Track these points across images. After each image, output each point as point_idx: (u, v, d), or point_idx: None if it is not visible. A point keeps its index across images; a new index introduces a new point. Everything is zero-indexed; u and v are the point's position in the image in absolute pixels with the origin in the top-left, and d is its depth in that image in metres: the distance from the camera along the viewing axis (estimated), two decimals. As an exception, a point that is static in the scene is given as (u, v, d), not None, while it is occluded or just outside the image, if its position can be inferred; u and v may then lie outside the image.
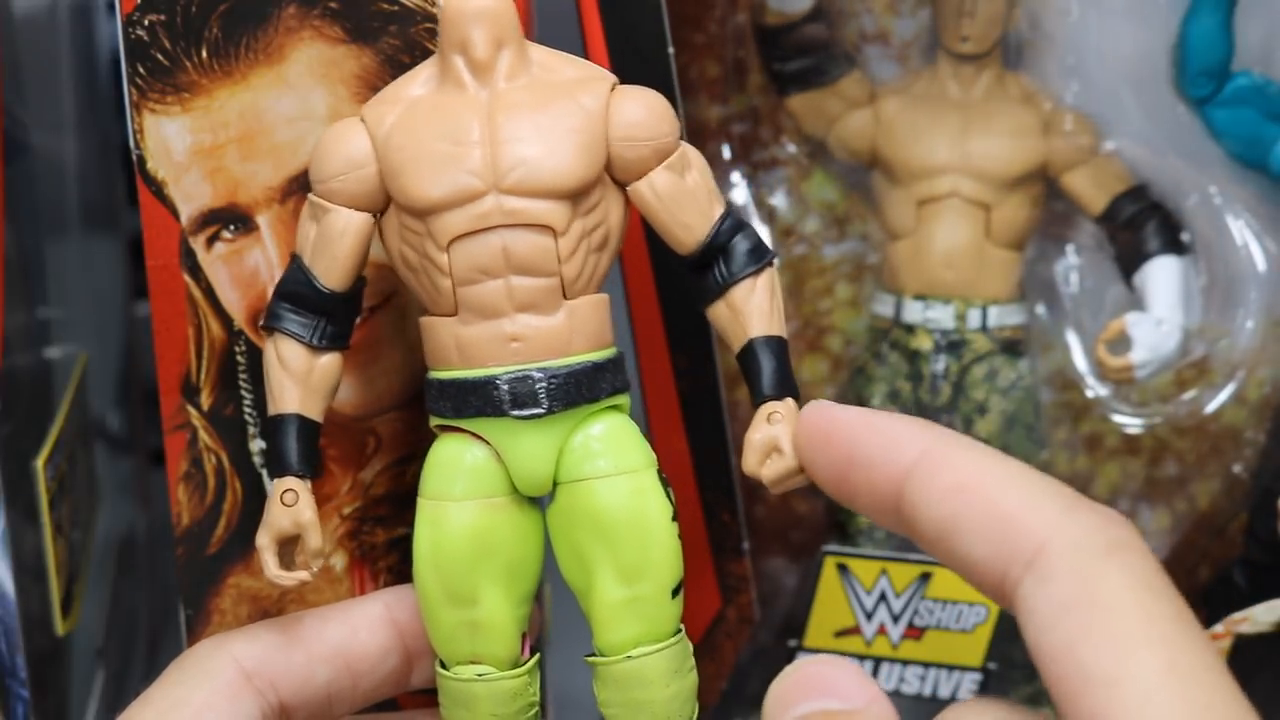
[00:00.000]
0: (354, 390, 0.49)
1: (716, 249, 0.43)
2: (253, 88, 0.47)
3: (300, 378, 0.43)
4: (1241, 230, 0.58)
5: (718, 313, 0.44)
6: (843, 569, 0.58)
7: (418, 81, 0.43)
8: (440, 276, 0.42)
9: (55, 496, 0.57)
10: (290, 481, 0.43)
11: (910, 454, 0.38)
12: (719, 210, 0.44)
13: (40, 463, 0.55)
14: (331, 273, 0.43)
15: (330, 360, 0.44)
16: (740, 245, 0.43)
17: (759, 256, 0.44)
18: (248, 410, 0.49)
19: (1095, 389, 0.60)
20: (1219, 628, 0.56)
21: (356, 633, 0.46)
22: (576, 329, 0.42)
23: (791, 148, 0.61)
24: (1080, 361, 0.60)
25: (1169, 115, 0.57)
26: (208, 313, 0.48)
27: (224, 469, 0.50)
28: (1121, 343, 0.57)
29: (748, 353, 0.43)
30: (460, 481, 0.43)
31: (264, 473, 0.50)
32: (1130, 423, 0.60)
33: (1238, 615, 0.56)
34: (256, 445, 0.49)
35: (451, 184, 0.41)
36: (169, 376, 0.49)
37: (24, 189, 0.59)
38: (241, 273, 0.48)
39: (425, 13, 0.47)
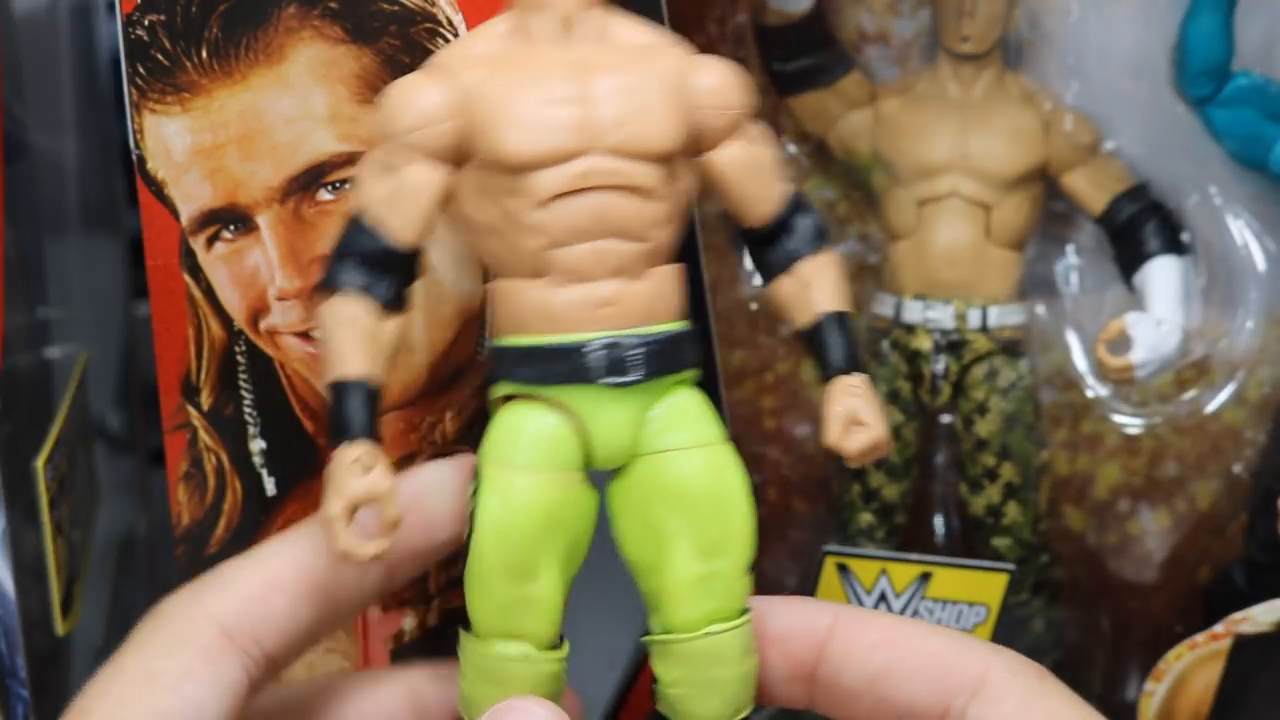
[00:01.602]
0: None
1: (784, 223, 0.43)
2: (253, 88, 0.47)
3: (368, 338, 0.41)
4: (1241, 230, 0.58)
5: (783, 287, 0.43)
6: (843, 569, 0.58)
7: (490, 38, 0.42)
8: (528, 237, 0.40)
9: (55, 496, 0.57)
10: (361, 447, 0.40)
11: (824, 621, 0.42)
12: (787, 186, 0.43)
13: (40, 463, 0.55)
14: (407, 229, 0.41)
15: (393, 325, 0.41)
16: (806, 221, 0.43)
17: (824, 234, 0.43)
18: (248, 410, 0.49)
19: (1095, 389, 0.60)
20: (1219, 628, 0.56)
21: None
22: (662, 297, 0.41)
23: (791, 148, 0.61)
24: (1080, 361, 0.60)
25: (1169, 115, 0.57)
26: (208, 313, 0.48)
27: (224, 469, 0.50)
28: (1121, 343, 0.57)
29: (818, 327, 0.43)
30: (535, 450, 0.41)
31: (263, 472, 0.50)
32: (1130, 423, 0.60)
33: (1238, 615, 0.56)
34: (256, 445, 0.49)
35: (550, 141, 0.40)
36: (169, 376, 0.49)
37: (24, 189, 0.59)
38: (241, 273, 0.48)
39: (425, 13, 0.47)
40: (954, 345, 0.58)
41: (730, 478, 0.42)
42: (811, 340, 0.43)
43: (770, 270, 0.44)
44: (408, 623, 0.52)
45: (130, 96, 0.47)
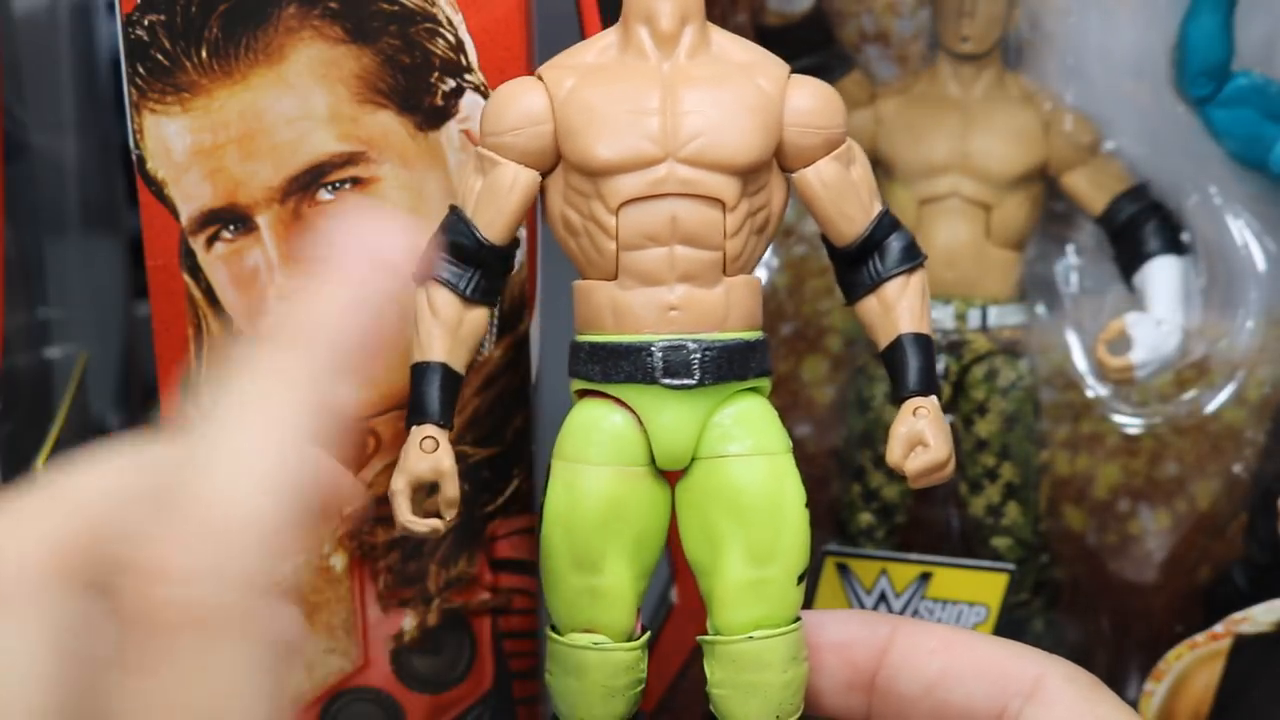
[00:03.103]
0: (354, 390, 0.49)
1: (873, 244, 0.44)
2: (253, 88, 0.47)
3: (451, 327, 0.43)
4: (1241, 230, 0.58)
5: (867, 307, 0.44)
6: (843, 569, 0.58)
7: (596, 49, 0.43)
8: (605, 239, 0.42)
9: (55, 496, 0.57)
10: (430, 429, 0.42)
11: (885, 629, 0.43)
12: (879, 207, 0.44)
13: (40, 463, 0.55)
14: (494, 225, 0.43)
15: (479, 315, 0.43)
16: (895, 243, 0.44)
17: (912, 255, 0.44)
18: (248, 410, 0.49)
19: (1095, 389, 0.60)
20: (1219, 628, 0.56)
21: None
22: (733, 305, 0.43)
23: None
24: (1080, 361, 0.60)
25: (1169, 115, 0.57)
26: (208, 313, 0.48)
27: (224, 469, 0.49)
28: (1121, 343, 0.57)
29: (896, 348, 0.44)
30: (600, 446, 0.43)
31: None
32: (1130, 423, 0.60)
33: (1238, 615, 0.56)
34: (256, 445, 0.49)
35: (628, 147, 0.42)
36: (169, 376, 0.49)
37: (24, 189, 0.59)
38: (241, 273, 0.48)
39: (425, 13, 0.47)
40: (954, 345, 0.58)
41: (787, 488, 0.43)
42: (888, 360, 0.44)
43: (856, 290, 0.45)
44: (407, 623, 0.52)
45: (130, 96, 0.47)
